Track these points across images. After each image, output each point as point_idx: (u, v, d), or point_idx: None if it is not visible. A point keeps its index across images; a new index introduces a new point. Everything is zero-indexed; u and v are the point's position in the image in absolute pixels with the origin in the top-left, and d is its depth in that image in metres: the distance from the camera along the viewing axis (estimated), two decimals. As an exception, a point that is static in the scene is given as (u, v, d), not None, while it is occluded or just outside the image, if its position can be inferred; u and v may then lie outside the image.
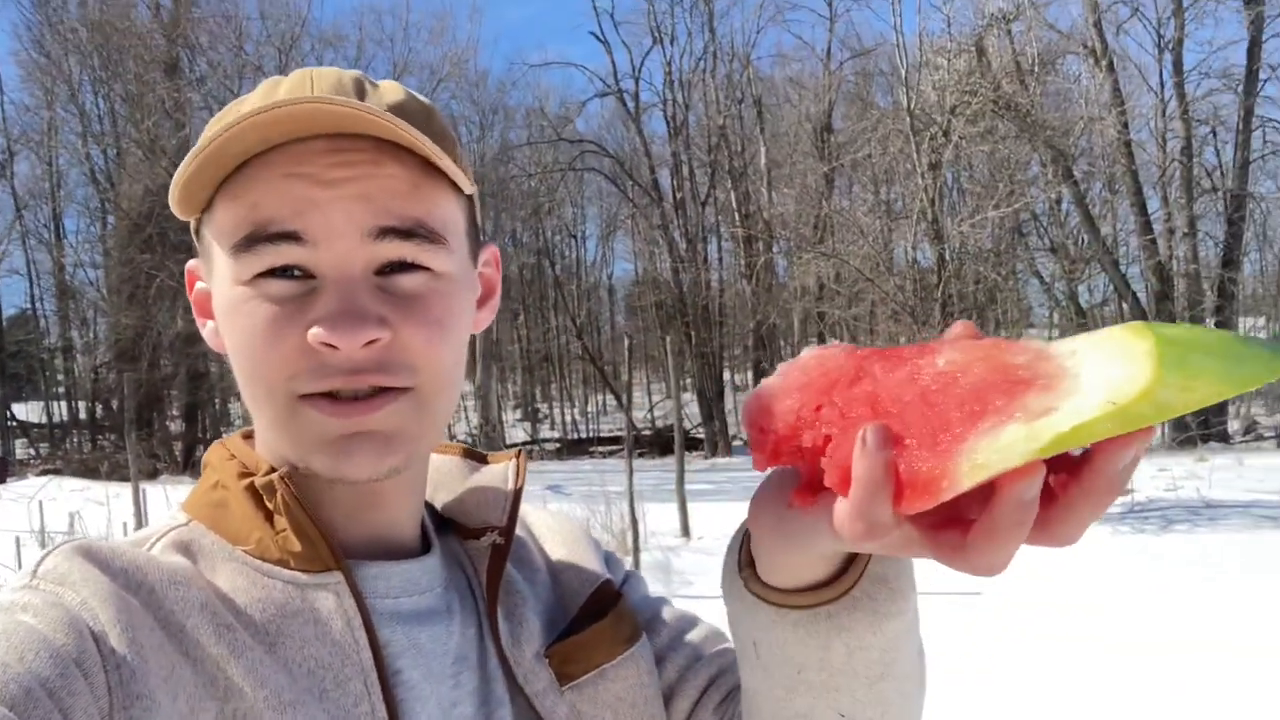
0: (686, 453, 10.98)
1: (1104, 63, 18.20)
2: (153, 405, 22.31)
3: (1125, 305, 19.00)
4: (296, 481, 0.65)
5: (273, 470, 0.65)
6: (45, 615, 0.53)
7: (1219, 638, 5.48)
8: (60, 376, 29.26)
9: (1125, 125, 18.33)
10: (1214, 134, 21.19)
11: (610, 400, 32.41)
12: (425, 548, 0.73)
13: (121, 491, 12.70)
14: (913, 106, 17.58)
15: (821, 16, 27.10)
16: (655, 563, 7.94)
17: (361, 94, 0.65)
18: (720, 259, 29.01)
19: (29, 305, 28.86)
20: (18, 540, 8.48)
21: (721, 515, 9.60)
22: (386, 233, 0.61)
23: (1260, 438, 20.35)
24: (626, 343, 13.12)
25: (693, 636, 0.82)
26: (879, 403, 0.48)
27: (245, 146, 0.60)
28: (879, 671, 0.61)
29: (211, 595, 0.61)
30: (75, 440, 26.42)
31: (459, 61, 26.92)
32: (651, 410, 29.82)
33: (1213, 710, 4.42)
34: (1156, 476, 11.46)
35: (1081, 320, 18.81)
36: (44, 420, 27.91)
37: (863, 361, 0.50)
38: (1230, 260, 19.57)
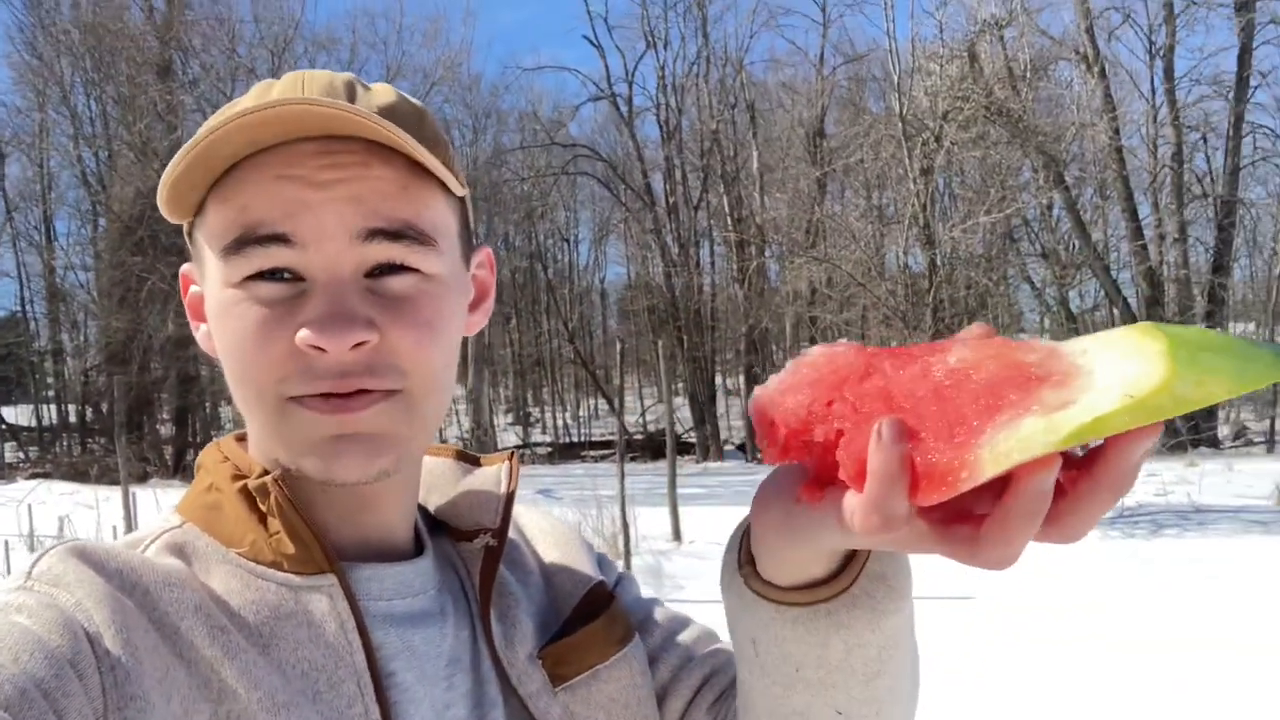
0: (678, 457, 10.97)
1: (1096, 69, 18.29)
2: (143, 409, 22.21)
3: (1116, 311, 19.07)
4: (290, 484, 0.65)
5: (266, 473, 0.65)
6: (40, 616, 0.54)
7: (1220, 635, 5.50)
8: (50, 380, 29.10)
9: (1117, 131, 18.42)
10: (1204, 140, 21.32)
11: (602, 404, 32.41)
12: (418, 550, 0.73)
13: (111, 495, 12.63)
14: (905, 112, 17.64)
15: (815, 22, 27.34)
16: (646, 567, 7.94)
17: (353, 96, 0.65)
18: (712, 263, 29.04)
19: (19, 308, 28.69)
20: (6, 544, 8.44)
21: (713, 519, 9.59)
22: (375, 234, 0.62)
23: (1250, 443, 20.43)
24: (618, 347, 13.12)
25: (685, 637, 0.82)
26: (892, 398, 0.48)
27: (235, 149, 0.60)
28: (876, 669, 0.62)
29: (205, 597, 0.61)
30: (65, 444, 26.28)
31: (452, 65, 26.92)
32: (643, 414, 29.79)
33: (1217, 708, 4.44)
34: (1146, 481, 11.49)
35: (1072, 325, 18.86)
36: (33, 424, 27.76)
37: (872, 358, 0.51)
38: (1220, 266, 19.66)
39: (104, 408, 24.37)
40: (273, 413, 0.63)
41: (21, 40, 24.01)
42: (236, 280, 0.62)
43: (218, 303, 0.64)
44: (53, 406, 28.33)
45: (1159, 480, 11.62)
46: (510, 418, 35.32)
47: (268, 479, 0.65)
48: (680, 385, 25.21)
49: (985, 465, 0.43)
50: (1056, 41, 19.49)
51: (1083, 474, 0.45)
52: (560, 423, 33.16)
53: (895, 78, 18.27)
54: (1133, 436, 0.43)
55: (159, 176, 0.61)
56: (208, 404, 23.91)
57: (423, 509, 0.78)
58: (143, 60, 21.72)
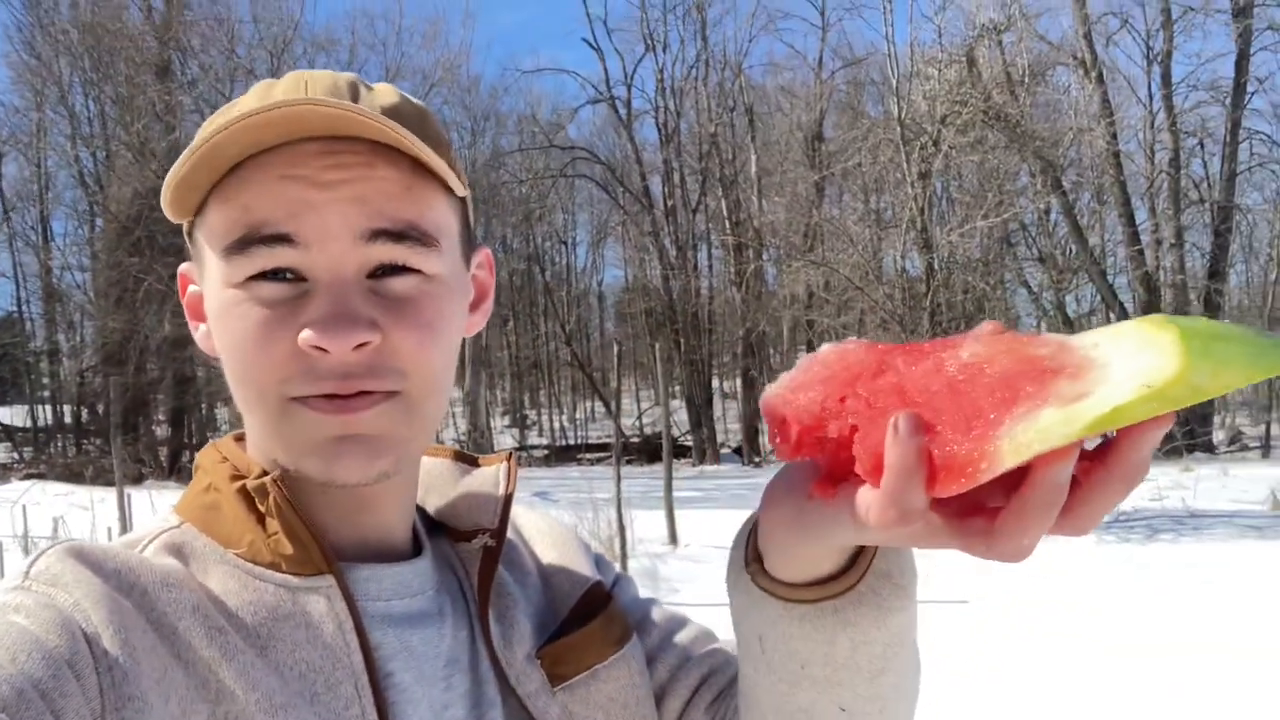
0: (674, 460, 10.97)
1: (1093, 74, 18.33)
2: (139, 410, 22.17)
3: (1113, 315, 19.08)
4: (289, 484, 0.65)
5: (265, 473, 0.65)
6: (37, 616, 0.53)
7: (1216, 639, 5.51)
8: (46, 380, 29.05)
9: (1114, 136, 18.45)
10: (1201, 146, 21.38)
11: (599, 407, 32.38)
12: (417, 550, 0.73)
13: (106, 496, 12.61)
14: (903, 116, 17.65)
15: (813, 26, 27.30)
16: (642, 570, 7.94)
17: (356, 96, 0.65)
18: (710, 266, 29.07)
19: (15, 308, 28.66)
20: (1, 545, 8.41)
21: (709, 523, 9.59)
22: (379, 235, 0.61)
23: (1245, 448, 20.47)
24: (615, 349, 13.11)
25: (683, 637, 0.83)
26: (906, 393, 0.49)
27: (239, 149, 0.60)
28: (880, 666, 0.62)
29: (203, 598, 0.61)
30: (60, 444, 26.25)
31: (451, 67, 26.90)
32: (640, 417, 29.78)
33: (1213, 711, 4.45)
34: (1142, 486, 11.48)
35: (1069, 330, 18.71)
36: (28, 424, 27.70)
37: (884, 355, 0.51)
38: (1216, 271, 19.71)
39: (100, 408, 24.32)
40: (274, 413, 0.63)
41: (20, 39, 24.00)
42: (239, 280, 0.62)
43: (219, 302, 0.63)
44: (48, 407, 28.30)
45: (1154, 485, 11.63)
46: (507, 420, 35.30)
47: (266, 479, 0.64)
48: (677, 388, 25.22)
49: (1005, 456, 0.43)
50: (1055, 47, 19.53)
51: (1096, 465, 0.45)
52: (557, 425, 33.15)
53: (894, 82, 18.29)
54: (1145, 427, 0.43)
55: (157, 177, 0.62)
56: (204, 405, 23.86)
57: (420, 509, 0.78)
58: (141, 60, 21.70)
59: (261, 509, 0.65)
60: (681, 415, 25.33)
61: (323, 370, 0.61)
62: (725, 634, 0.85)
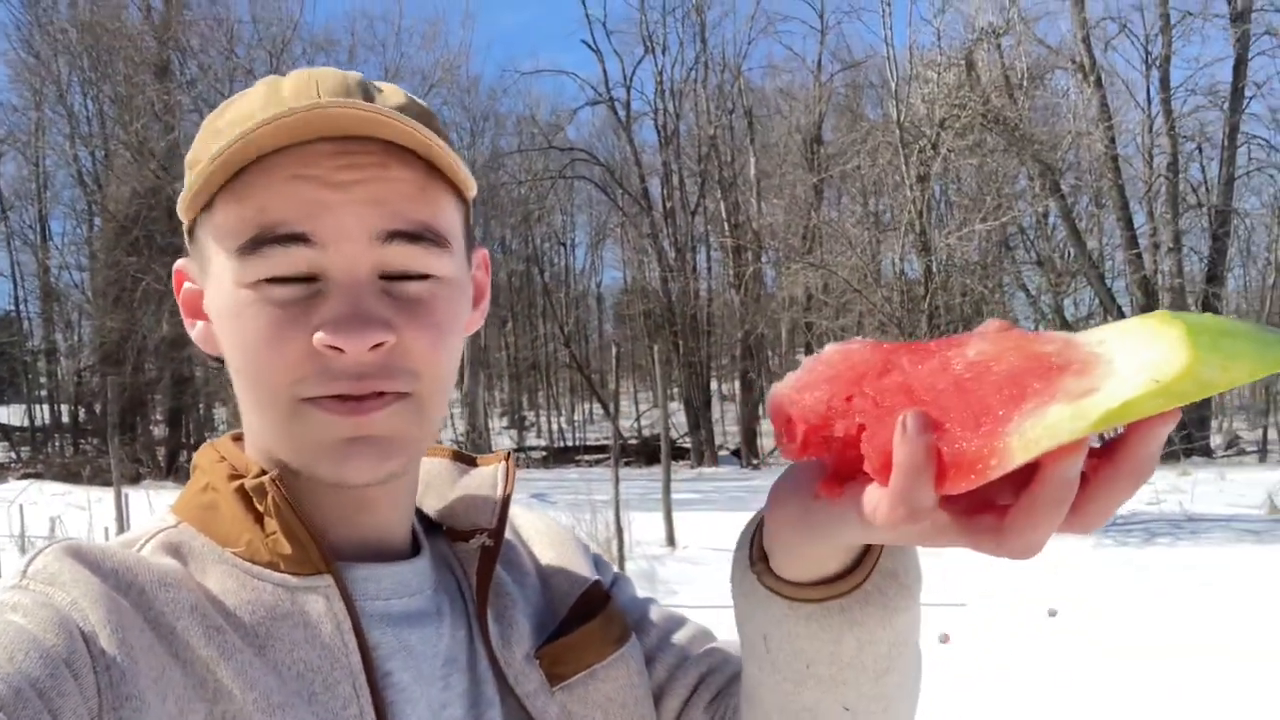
0: (673, 462, 10.97)
1: (1092, 78, 18.35)
2: (136, 410, 22.14)
3: (1110, 319, 19.04)
4: (287, 484, 0.64)
5: (263, 472, 0.65)
6: (35, 615, 0.53)
7: (1216, 641, 5.51)
8: (43, 379, 29.01)
9: (1112, 140, 18.47)
10: (1200, 150, 21.40)
11: (597, 409, 32.38)
12: (415, 550, 0.73)
13: (104, 496, 12.58)
14: (902, 119, 17.67)
15: (813, 28, 27.33)
16: (640, 572, 7.93)
17: (369, 96, 0.65)
18: (709, 268, 29.06)
19: (13, 307, 28.63)
20: (-2, 544, 8.40)
21: (707, 525, 9.59)
22: (395, 236, 0.62)
23: (1242, 452, 20.50)
24: (614, 351, 13.11)
25: (681, 636, 0.83)
26: (913, 391, 0.49)
27: (255, 150, 0.60)
28: (885, 665, 0.62)
29: (201, 597, 0.61)
30: (57, 444, 26.19)
31: (451, 67, 26.83)
32: (638, 419, 29.77)
33: (1213, 712, 4.45)
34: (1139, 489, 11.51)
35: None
36: (26, 424, 27.66)
37: (890, 354, 0.51)
38: (1214, 276, 19.73)
39: (97, 408, 24.28)
40: (285, 414, 0.62)
41: (18, 38, 23.95)
42: (251, 280, 0.61)
43: (228, 302, 0.63)
44: (45, 406, 28.24)
45: (1152, 489, 11.63)
46: (505, 421, 35.29)
47: (265, 479, 0.64)
48: (676, 390, 25.20)
49: (1015, 452, 0.43)
50: (1053, 50, 19.55)
51: (1104, 462, 0.45)
52: (555, 427, 33.13)
53: (893, 85, 18.31)
54: (1153, 423, 0.43)
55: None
56: (201, 405, 23.83)
57: (418, 509, 0.78)
58: (140, 60, 21.66)
59: (260, 508, 0.65)
60: (680, 417, 25.32)
61: (337, 370, 0.61)
62: (723, 635, 0.85)
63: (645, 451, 23.38)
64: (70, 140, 24.67)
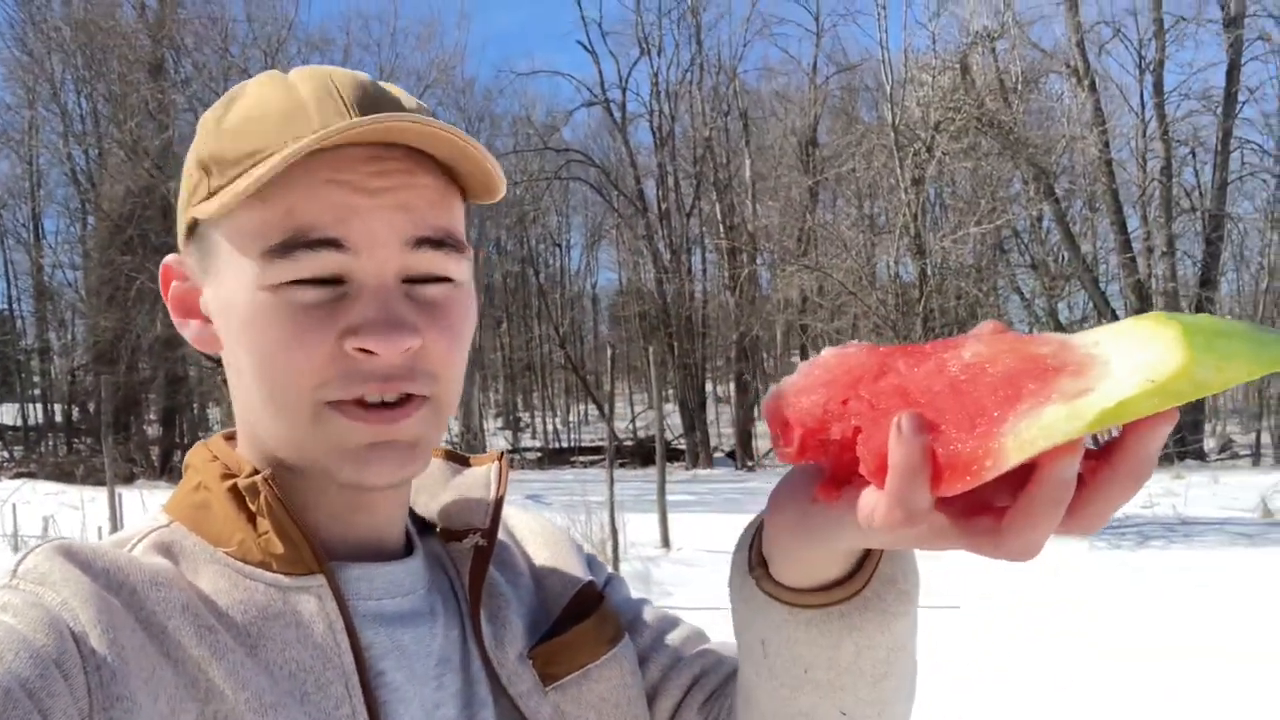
0: (668, 464, 10.97)
1: (1086, 82, 18.39)
2: (130, 409, 22.08)
3: (1104, 322, 19.08)
4: (281, 483, 0.64)
5: (256, 472, 0.65)
6: (25, 615, 0.53)
7: (1210, 643, 5.53)
8: (36, 379, 28.95)
9: (1106, 144, 18.52)
10: (1193, 154, 21.44)
11: (592, 410, 32.38)
12: (408, 549, 0.73)
13: (97, 496, 12.55)
14: (897, 122, 17.69)
15: (808, 31, 27.27)
16: (635, 573, 7.93)
17: (388, 101, 0.65)
18: (704, 270, 29.07)
19: (5, 306, 28.57)
20: (-10, 543, 8.37)
21: (702, 527, 9.60)
22: (422, 243, 0.63)
23: (1236, 455, 20.56)
24: (609, 353, 13.12)
25: (674, 637, 0.83)
26: (909, 394, 0.49)
27: (292, 154, 0.59)
28: (883, 671, 0.62)
29: (193, 597, 0.61)
30: (50, 443, 26.10)
31: (446, 68, 26.83)
32: (633, 421, 29.78)
33: (1208, 714, 4.47)
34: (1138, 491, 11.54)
35: (1061, 336, 18.84)
36: (19, 423, 27.60)
37: (885, 357, 0.51)
38: (1208, 280, 19.79)
39: (90, 407, 24.24)
40: (307, 417, 0.62)
41: (12, 36, 23.90)
42: (276, 282, 0.61)
43: (247, 304, 0.62)
44: (39, 405, 28.18)
45: (1146, 492, 11.66)
46: (500, 422, 35.26)
47: (257, 478, 0.64)
48: (671, 392, 25.20)
49: (1010, 453, 0.43)
50: (1047, 55, 19.60)
51: (1101, 463, 0.45)
52: (550, 428, 33.12)
53: (888, 88, 18.33)
54: (1151, 423, 0.43)
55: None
56: (195, 405, 23.79)
57: (411, 509, 0.78)
58: (134, 58, 21.60)
59: (252, 508, 0.65)
60: (675, 419, 25.32)
61: (365, 372, 0.61)
62: (718, 636, 0.85)
63: (640, 453, 23.39)
64: (64, 139, 24.62)
